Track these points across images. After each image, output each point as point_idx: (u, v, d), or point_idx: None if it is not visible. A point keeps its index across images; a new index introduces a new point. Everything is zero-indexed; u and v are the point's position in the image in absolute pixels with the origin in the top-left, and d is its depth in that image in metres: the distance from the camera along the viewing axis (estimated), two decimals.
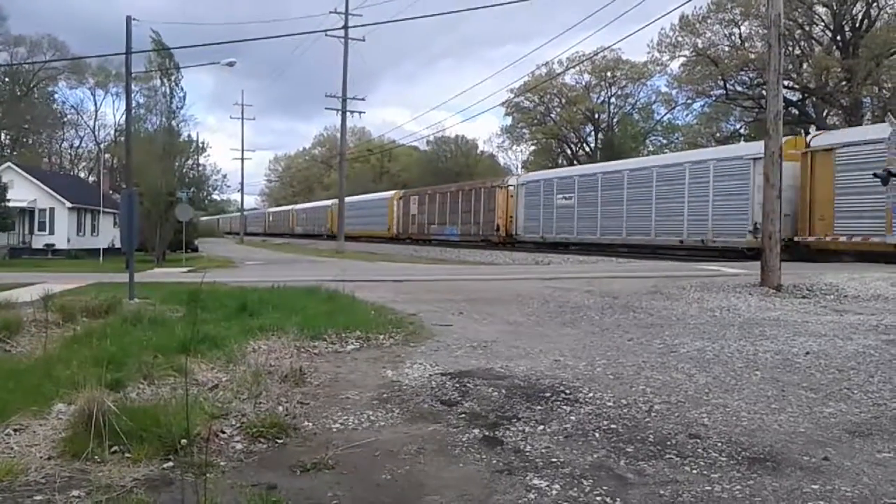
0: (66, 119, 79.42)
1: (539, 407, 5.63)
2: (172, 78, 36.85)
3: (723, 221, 27.85)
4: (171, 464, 4.24)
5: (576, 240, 36.62)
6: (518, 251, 38.33)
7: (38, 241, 46.18)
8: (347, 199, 45.90)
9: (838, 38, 47.23)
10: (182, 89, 37.83)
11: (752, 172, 25.37)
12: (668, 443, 4.76)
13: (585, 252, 33.79)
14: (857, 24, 46.29)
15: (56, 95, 78.14)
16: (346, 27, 43.09)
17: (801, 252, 24.39)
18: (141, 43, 31.02)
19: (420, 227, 53.41)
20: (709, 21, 51.31)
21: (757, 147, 22.13)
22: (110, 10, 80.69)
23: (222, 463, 4.36)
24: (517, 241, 41.58)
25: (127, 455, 4.31)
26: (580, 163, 65.44)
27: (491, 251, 39.02)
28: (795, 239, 24.83)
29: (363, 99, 49.64)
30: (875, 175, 19.22)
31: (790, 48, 46.30)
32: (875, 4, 44.90)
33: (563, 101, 72.47)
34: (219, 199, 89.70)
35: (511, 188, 42.96)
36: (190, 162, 45.25)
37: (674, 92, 62.75)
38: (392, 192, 61.70)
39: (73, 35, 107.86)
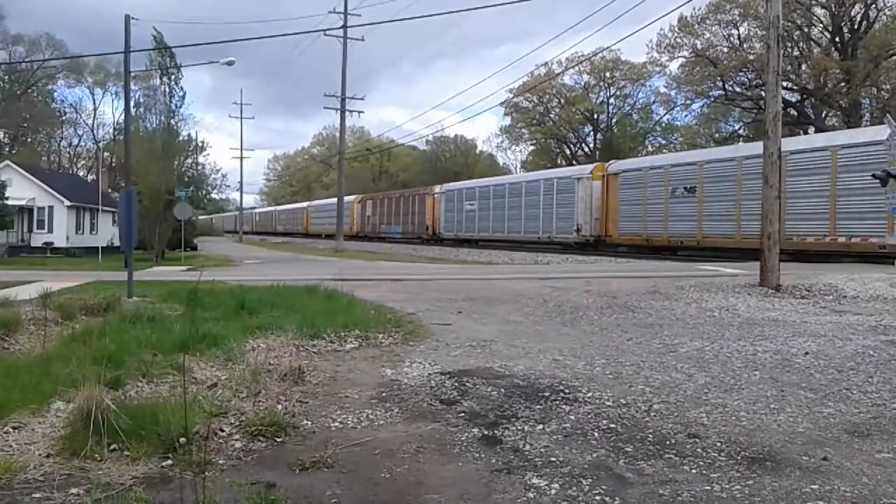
0: (64, 118, 79.32)
1: (538, 406, 5.63)
2: (172, 77, 36.85)
3: (561, 223, 36.78)
4: (169, 462, 4.24)
5: (478, 237, 45.01)
6: (443, 246, 45.83)
7: (37, 240, 46.13)
8: (318, 202, 48.94)
9: (837, 39, 47.27)
10: (182, 88, 37.84)
11: (576, 189, 35.51)
12: (668, 442, 4.76)
13: (489, 247, 41.28)
14: (856, 26, 46.32)
15: (55, 94, 78.03)
16: (345, 27, 43.10)
17: (605, 245, 34.36)
18: (139, 42, 31.02)
19: (373, 227, 60.78)
20: (707, 22, 51.33)
21: (578, 170, 38.25)
22: (108, 8, 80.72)
23: (221, 461, 4.35)
24: (441, 238, 49.00)
25: (126, 453, 4.31)
26: (579, 163, 65.55)
27: (430, 246, 45.97)
28: (601, 237, 34.70)
29: (362, 98, 49.86)
30: (874, 176, 19.25)
31: (789, 49, 46.35)
32: (874, 6, 44.95)
33: (562, 101, 72.49)
34: (218, 198, 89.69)
35: (437, 195, 50.71)
36: (189, 161, 45.21)
37: (673, 92, 62.76)
38: (353, 197, 67.47)
39: (71, 34, 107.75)
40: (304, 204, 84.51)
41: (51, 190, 46.76)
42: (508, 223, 41.65)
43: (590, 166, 38.92)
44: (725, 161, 28.54)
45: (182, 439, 4.35)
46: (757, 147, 19.82)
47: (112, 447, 4.36)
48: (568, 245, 36.13)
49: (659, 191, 31.11)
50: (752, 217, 23.36)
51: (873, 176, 19.53)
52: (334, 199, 67.39)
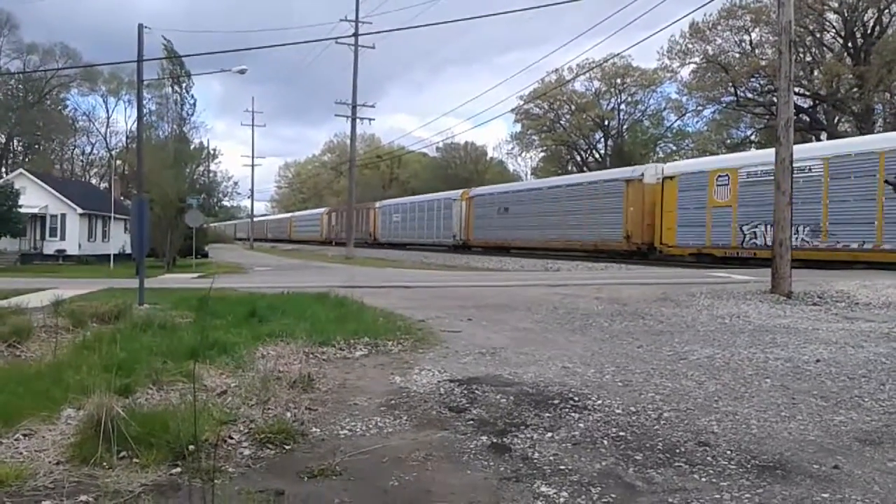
0: (77, 126, 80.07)
1: (547, 414, 5.61)
2: (184, 86, 37.10)
3: (444, 231, 50.48)
4: (179, 469, 4.25)
5: (399, 241, 57.34)
6: (383, 248, 56.75)
7: (50, 247, 46.46)
8: (296, 213, 63.34)
9: (849, 44, 47.09)
10: (193, 97, 38.11)
11: (452, 207, 49.60)
12: (678, 450, 4.74)
13: (418, 249, 51.21)
14: (869, 31, 46.16)
15: (68, 103, 78.85)
16: (356, 34, 43.30)
17: (469, 248, 46.39)
18: (152, 51, 31.19)
19: (336, 234, 70.36)
20: (719, 28, 51.28)
21: (452, 194, 51.50)
22: (121, 18, 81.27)
23: (230, 469, 4.36)
24: (379, 242, 60.84)
25: (135, 460, 4.33)
26: (590, 169, 65.47)
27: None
28: (466, 242, 47.20)
29: (373, 106, 50.05)
30: (887, 182, 19.18)
31: (801, 55, 46.22)
32: (887, 11, 44.78)
33: (573, 107, 72.49)
34: (229, 205, 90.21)
35: (378, 209, 63.54)
36: (201, 169, 45.47)
37: (684, 99, 62.77)
38: (323, 209, 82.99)
39: (84, 43, 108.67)
40: (288, 215, 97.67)
41: (63, 198, 47.10)
42: (426, 230, 53.93)
43: (458, 192, 51.30)
44: (528, 191, 42.83)
45: (191, 447, 4.36)
46: (549, 181, 36.40)
47: (122, 454, 4.38)
48: (447, 246, 49.45)
49: (491, 210, 44.43)
50: (548, 227, 38.11)
51: (886, 182, 19.46)
52: (305, 212, 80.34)
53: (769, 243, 23.84)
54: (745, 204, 26.85)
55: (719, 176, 28.48)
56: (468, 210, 47.34)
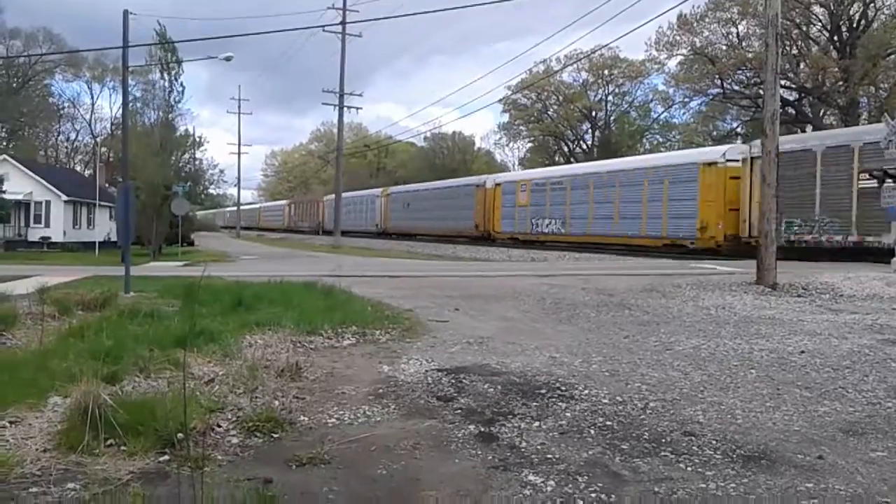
0: (62, 112, 79.09)
1: (535, 403, 5.64)
2: (173, 73, 36.80)
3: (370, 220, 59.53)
4: (167, 457, 4.25)
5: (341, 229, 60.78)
6: (328, 237, 56.37)
7: (34, 234, 46.08)
8: (264, 204, 78.97)
9: (835, 38, 47.28)
10: (182, 84, 37.80)
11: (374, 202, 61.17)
12: (663, 440, 4.78)
13: (353, 236, 55.80)
14: (855, 25, 46.34)
15: (52, 88, 77.80)
16: (343, 23, 43.11)
17: (388, 234, 54.84)
18: (137, 36, 30.88)
19: (294, 223, 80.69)
20: (706, 20, 51.28)
21: (374, 192, 63.36)
22: (106, 3, 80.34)
23: (218, 457, 4.36)
24: (325, 231, 64.23)
25: (123, 448, 4.32)
26: (577, 160, 65.57)
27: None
28: (385, 230, 56.44)
29: (360, 94, 50.04)
30: (871, 175, 19.30)
31: (787, 48, 46.34)
32: (872, 5, 44.97)
33: (561, 98, 72.43)
34: (215, 193, 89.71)
35: (325, 202, 69.19)
36: (187, 156, 45.12)
37: (671, 90, 62.78)
38: (284, 201, 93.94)
39: (69, 28, 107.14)
40: (257, 205, 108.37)
41: (48, 184, 46.72)
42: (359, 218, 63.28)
43: (379, 189, 62.46)
44: (421, 190, 54.30)
45: (179, 435, 4.35)
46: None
47: (109, 442, 4.37)
48: (373, 233, 58.13)
49: (399, 205, 55.64)
50: (433, 219, 49.75)
51: (870, 175, 19.58)
52: (269, 203, 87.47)
53: (545, 231, 37.84)
54: (534, 204, 38.59)
55: (521, 185, 40.48)
56: (386, 205, 58.72)
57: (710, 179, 28.21)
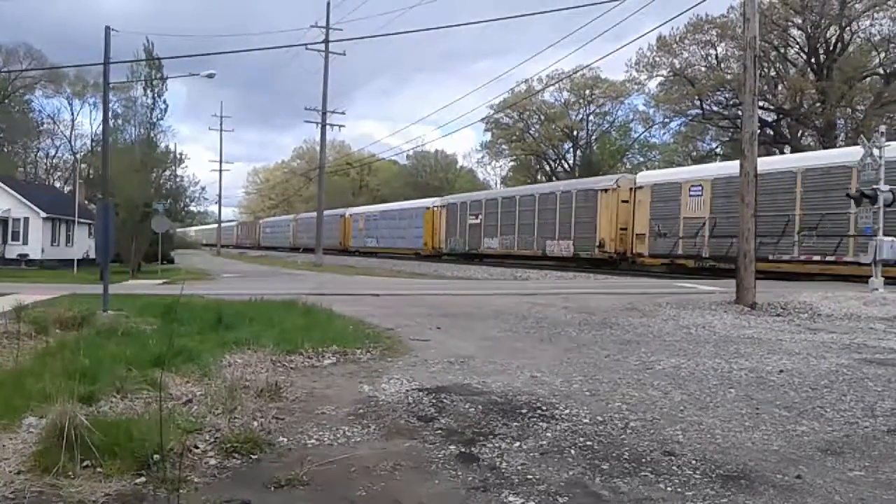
0: (41, 128, 78.48)
1: (515, 423, 5.63)
2: (156, 89, 36.67)
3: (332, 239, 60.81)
4: (143, 479, 4.20)
5: (306, 245, 64.61)
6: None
7: (12, 251, 45.58)
8: (223, 224, 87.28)
9: (813, 60, 48.02)
10: (164, 101, 37.66)
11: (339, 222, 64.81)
12: (644, 460, 4.78)
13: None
14: (831, 48, 47.10)
15: (32, 104, 77.23)
16: (326, 41, 43.16)
17: (350, 252, 60.03)
18: (119, 53, 30.84)
19: (241, 241, 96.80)
20: (686, 42, 51.97)
21: (340, 213, 66.62)
22: (87, 19, 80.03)
23: (196, 478, 4.31)
24: (261, 247, 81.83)
25: (99, 470, 4.26)
26: (558, 178, 65.93)
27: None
28: (346, 249, 61.73)
29: (343, 112, 50.38)
30: (848, 195, 19.54)
31: (765, 70, 46.98)
32: (848, 28, 45.73)
33: (542, 117, 73.00)
34: (195, 210, 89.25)
35: (261, 224, 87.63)
36: (167, 173, 44.90)
37: (651, 111, 63.53)
38: (235, 222, 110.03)
39: (49, 44, 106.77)
40: (231, 223, 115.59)
41: (26, 201, 46.28)
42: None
43: (343, 210, 67.71)
44: (376, 212, 60.73)
45: (156, 456, 4.30)
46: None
47: (85, 464, 4.31)
48: (336, 249, 60.91)
49: (358, 225, 62.82)
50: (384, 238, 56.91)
51: (847, 195, 19.83)
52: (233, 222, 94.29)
53: (488, 246, 42.74)
54: (474, 223, 44.58)
55: (462, 206, 46.56)
56: (348, 224, 64.97)
57: (605, 203, 33.64)
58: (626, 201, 32.37)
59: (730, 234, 24.78)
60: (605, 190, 33.83)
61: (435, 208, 50.83)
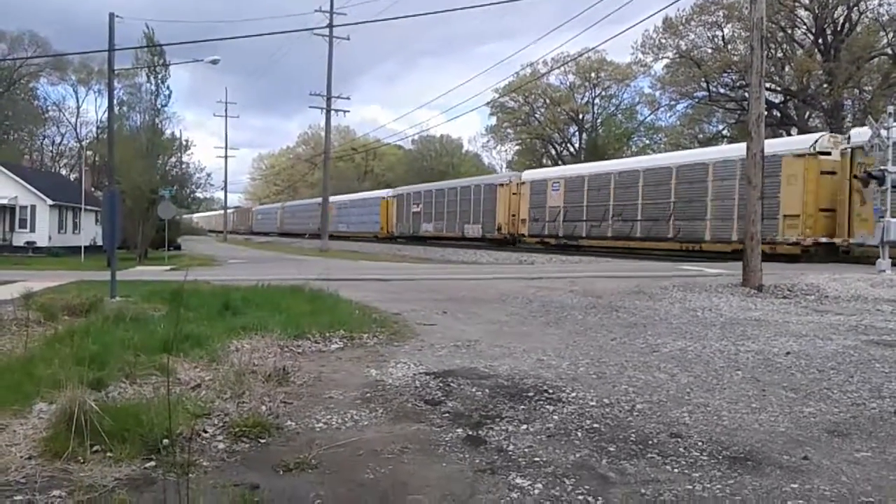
0: (47, 116, 78.45)
1: (522, 406, 5.65)
2: (160, 76, 36.63)
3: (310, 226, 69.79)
4: (153, 463, 4.23)
5: (288, 231, 79.64)
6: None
7: (19, 239, 45.67)
8: (210, 214, 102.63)
9: (820, 41, 47.63)
10: (168, 87, 37.64)
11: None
12: (650, 442, 4.80)
13: (292, 236, 72.48)
14: (839, 28, 46.70)
15: (37, 92, 77.18)
16: (330, 25, 43.02)
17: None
18: (123, 39, 30.79)
19: (236, 227, 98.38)
20: (692, 23, 51.57)
21: (318, 200, 62.25)
22: (91, 6, 79.83)
23: (205, 462, 4.34)
24: (253, 232, 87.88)
25: (109, 454, 4.29)
26: (564, 163, 65.77)
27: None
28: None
29: (348, 98, 50.53)
30: (855, 177, 19.47)
31: (772, 51, 46.67)
32: (856, 9, 45.33)
33: (548, 101, 72.61)
34: (202, 196, 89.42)
35: (254, 211, 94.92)
36: (173, 160, 44.90)
37: (657, 93, 63.11)
38: (234, 208, 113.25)
39: (54, 31, 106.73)
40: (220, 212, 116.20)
41: (33, 189, 46.32)
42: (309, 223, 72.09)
43: (318, 199, 65.84)
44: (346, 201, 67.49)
45: (165, 440, 4.33)
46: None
47: (95, 449, 4.34)
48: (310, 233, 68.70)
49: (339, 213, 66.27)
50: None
51: (855, 177, 19.76)
52: (211, 213, 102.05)
53: (425, 230, 51.46)
54: (415, 211, 53.64)
55: (408, 196, 55.30)
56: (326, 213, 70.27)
57: (502, 195, 42.32)
58: (516, 194, 40.76)
59: (575, 219, 35.59)
60: (502, 185, 42.85)
61: (388, 198, 59.57)
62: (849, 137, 23.79)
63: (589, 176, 35.50)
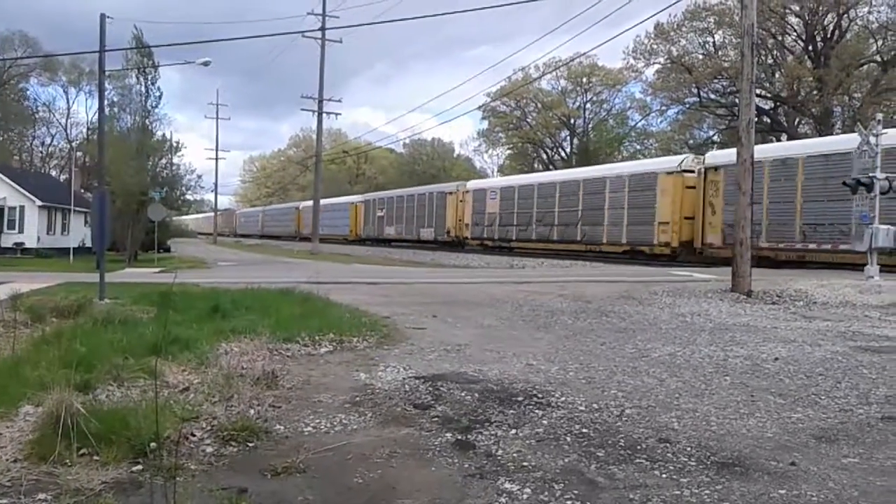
0: (37, 116, 78.08)
1: (511, 411, 5.65)
2: (149, 77, 36.51)
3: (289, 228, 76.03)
4: (140, 467, 4.21)
5: (266, 234, 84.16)
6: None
7: (8, 240, 45.43)
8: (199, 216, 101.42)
9: (810, 48, 47.96)
10: (158, 88, 37.51)
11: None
12: (639, 447, 4.80)
13: (271, 238, 76.05)
14: (829, 35, 47.04)
15: (28, 92, 76.80)
16: (323, 28, 43.02)
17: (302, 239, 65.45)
18: (114, 41, 30.68)
19: (221, 230, 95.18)
20: (683, 29, 51.81)
21: (295, 206, 78.90)
22: (81, 6, 79.58)
23: (192, 466, 4.32)
24: (237, 235, 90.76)
25: (95, 458, 4.26)
26: (556, 167, 65.96)
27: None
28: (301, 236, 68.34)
29: (339, 101, 50.62)
30: (844, 183, 19.54)
31: (763, 57, 46.91)
32: (846, 16, 45.67)
33: (540, 105, 72.82)
34: (192, 199, 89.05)
35: (237, 214, 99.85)
36: (163, 161, 44.69)
37: (648, 98, 63.32)
38: (221, 212, 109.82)
39: (44, 32, 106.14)
40: (210, 214, 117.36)
41: (22, 189, 46.09)
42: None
43: (296, 203, 75.94)
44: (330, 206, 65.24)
45: (153, 444, 4.31)
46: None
47: (81, 452, 4.31)
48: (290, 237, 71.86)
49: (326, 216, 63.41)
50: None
51: (843, 183, 19.84)
52: (196, 216, 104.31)
53: (388, 233, 55.80)
54: (379, 215, 57.81)
55: (373, 202, 59.90)
56: (301, 216, 70.88)
57: (451, 202, 46.93)
58: (462, 201, 45.45)
59: (508, 224, 40.11)
60: (451, 193, 47.27)
61: (357, 203, 64.51)
62: (704, 159, 29.50)
63: (519, 186, 40.73)
